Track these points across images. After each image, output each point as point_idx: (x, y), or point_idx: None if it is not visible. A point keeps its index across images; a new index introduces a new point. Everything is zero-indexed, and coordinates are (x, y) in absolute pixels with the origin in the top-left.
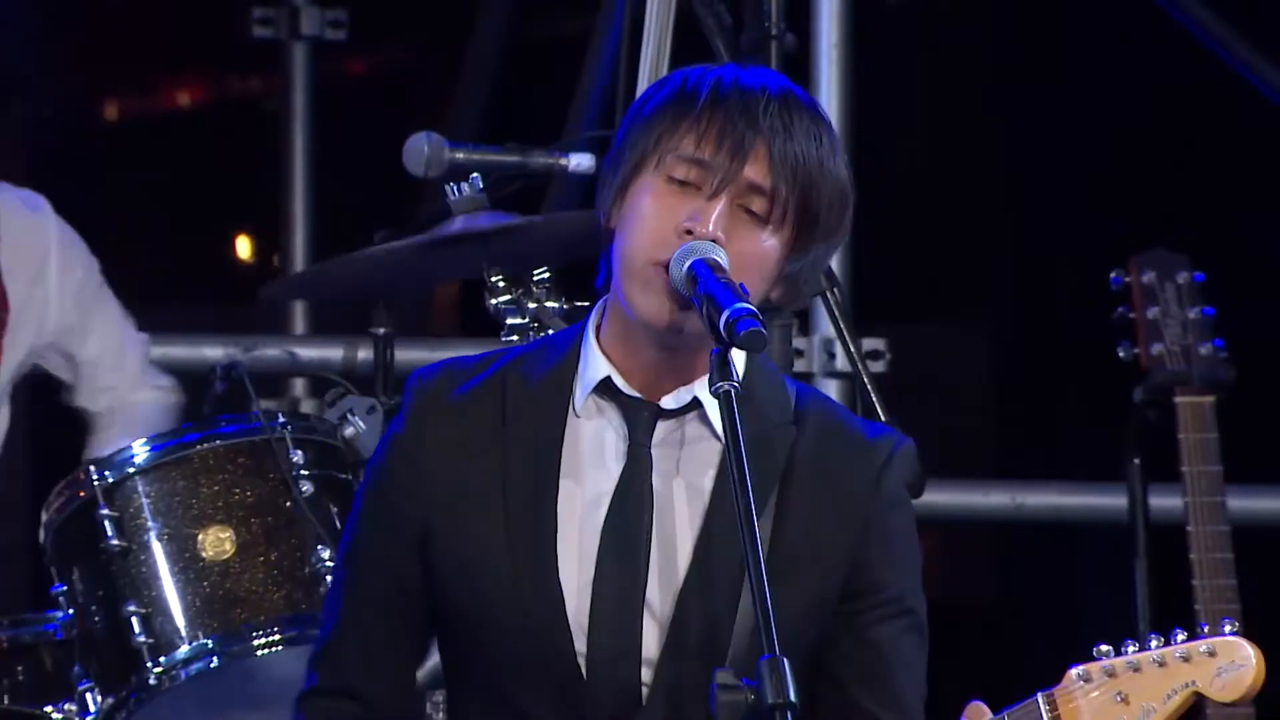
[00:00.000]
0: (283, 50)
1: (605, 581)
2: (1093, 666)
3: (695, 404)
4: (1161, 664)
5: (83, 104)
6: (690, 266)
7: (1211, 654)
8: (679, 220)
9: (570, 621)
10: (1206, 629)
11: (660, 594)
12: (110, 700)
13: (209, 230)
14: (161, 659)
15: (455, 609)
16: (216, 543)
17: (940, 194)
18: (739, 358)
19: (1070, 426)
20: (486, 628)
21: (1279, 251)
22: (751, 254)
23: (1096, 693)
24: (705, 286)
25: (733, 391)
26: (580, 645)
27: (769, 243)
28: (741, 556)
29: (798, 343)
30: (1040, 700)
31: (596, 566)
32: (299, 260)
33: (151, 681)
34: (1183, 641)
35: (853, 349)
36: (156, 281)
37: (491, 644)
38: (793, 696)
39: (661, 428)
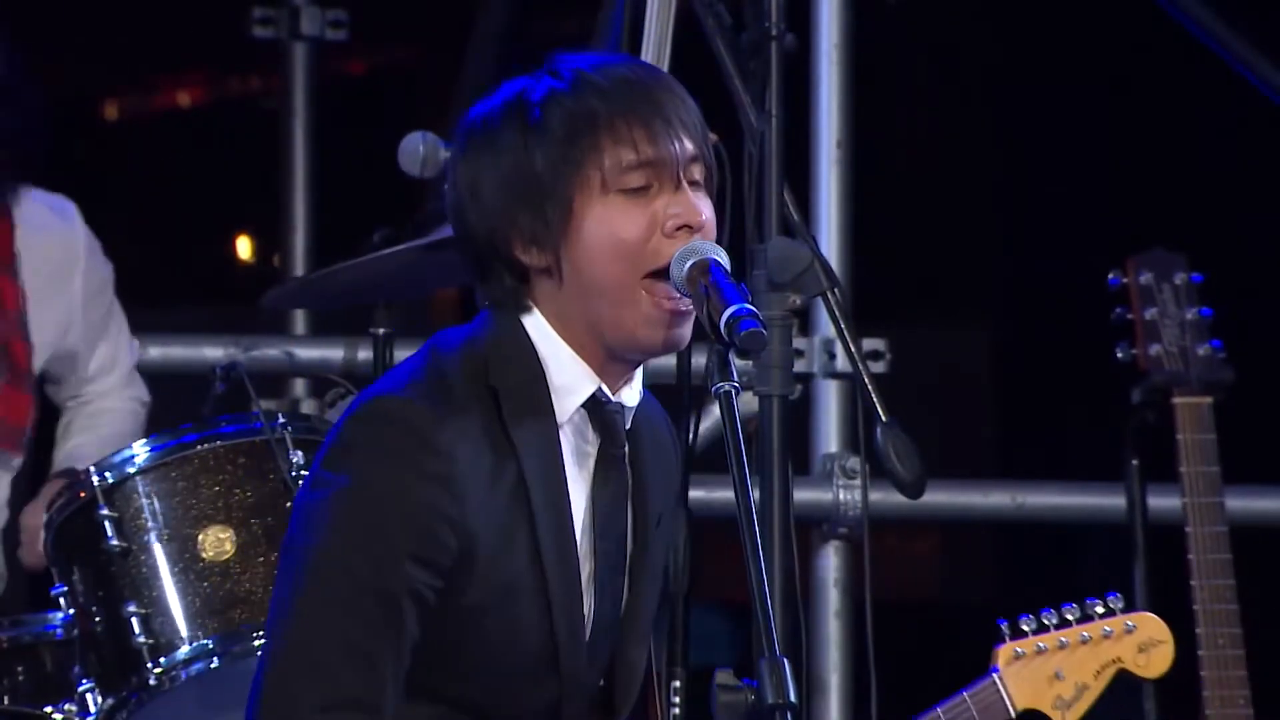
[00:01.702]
0: (283, 50)
1: (602, 603)
2: (1026, 644)
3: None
4: (1088, 641)
5: (80, 105)
6: (690, 267)
7: (1131, 630)
8: (660, 222)
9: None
10: (1114, 601)
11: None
12: (110, 700)
13: (209, 230)
14: (162, 659)
15: (469, 635)
16: (217, 543)
17: (940, 194)
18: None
19: (1070, 426)
20: (504, 653)
21: (1278, 251)
22: (716, 221)
23: (1035, 670)
24: (706, 287)
25: (733, 391)
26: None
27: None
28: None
29: (798, 343)
30: (997, 681)
31: (596, 589)
32: (299, 260)
33: (152, 682)
34: (1102, 615)
35: (853, 349)
36: (156, 281)
37: (500, 665)
38: (792, 696)
39: None
